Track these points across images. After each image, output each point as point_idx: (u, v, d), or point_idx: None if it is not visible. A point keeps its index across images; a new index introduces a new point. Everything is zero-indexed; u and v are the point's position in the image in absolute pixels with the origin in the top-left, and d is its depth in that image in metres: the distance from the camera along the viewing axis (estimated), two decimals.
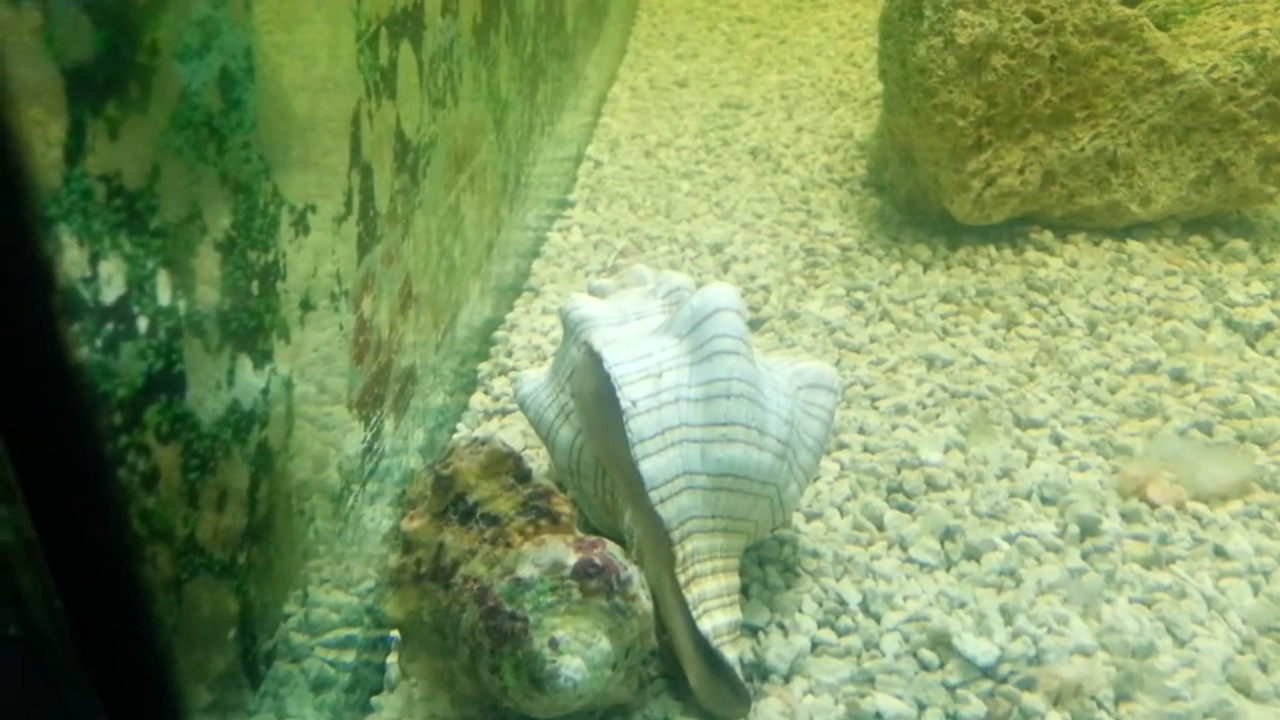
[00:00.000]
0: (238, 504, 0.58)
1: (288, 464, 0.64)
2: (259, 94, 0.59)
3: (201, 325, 0.53)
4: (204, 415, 0.54)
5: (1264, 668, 0.76)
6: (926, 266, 1.36)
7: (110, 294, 0.46)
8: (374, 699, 0.74)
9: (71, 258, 0.43)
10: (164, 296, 0.50)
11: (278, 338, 0.62)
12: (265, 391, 0.60)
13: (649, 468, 0.74)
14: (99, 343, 0.45)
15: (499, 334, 1.21)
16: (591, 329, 0.83)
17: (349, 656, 0.73)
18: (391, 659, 0.76)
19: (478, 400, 1.10)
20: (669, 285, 0.88)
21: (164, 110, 0.50)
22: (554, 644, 0.65)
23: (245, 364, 0.58)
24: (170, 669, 0.47)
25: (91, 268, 0.44)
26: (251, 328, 0.58)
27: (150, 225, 0.48)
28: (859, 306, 1.27)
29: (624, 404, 0.75)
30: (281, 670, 0.65)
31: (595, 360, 0.79)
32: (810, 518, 0.91)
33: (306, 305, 0.66)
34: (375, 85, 0.77)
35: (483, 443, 0.72)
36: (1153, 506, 0.92)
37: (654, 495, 0.74)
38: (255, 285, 0.59)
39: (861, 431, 1.03)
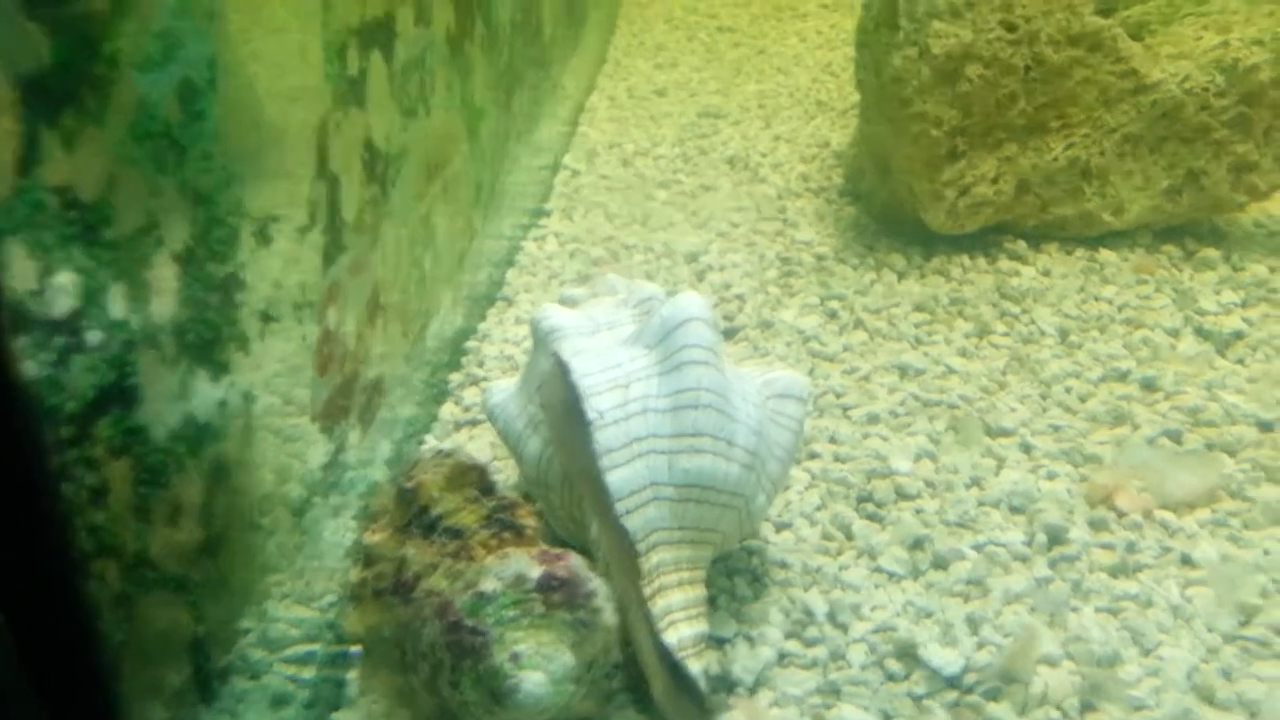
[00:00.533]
0: (192, 519, 0.57)
1: (246, 477, 0.63)
2: (222, 105, 0.58)
3: (157, 337, 0.53)
4: (158, 429, 0.53)
5: (1228, 676, 0.76)
6: (901, 275, 1.37)
7: (61, 306, 0.45)
8: (334, 715, 0.73)
9: (20, 270, 0.43)
10: (118, 309, 0.49)
11: (236, 349, 0.61)
12: (223, 404, 0.60)
13: (615, 479, 0.74)
14: (48, 355, 0.45)
15: (471, 344, 1.21)
16: (561, 339, 0.82)
17: (309, 672, 0.73)
18: (353, 675, 0.76)
19: (448, 411, 1.09)
20: (640, 295, 0.88)
21: (121, 121, 0.49)
22: (515, 658, 0.64)
23: (202, 376, 0.58)
24: (115, 685, 0.47)
25: (41, 280, 0.44)
26: (209, 339, 0.58)
27: (105, 237, 0.48)
28: (833, 315, 1.28)
29: (591, 415, 0.75)
30: (239, 686, 0.65)
31: (563, 370, 0.79)
32: (780, 528, 0.91)
33: (268, 317, 0.65)
34: (343, 95, 0.77)
35: (447, 455, 0.72)
36: (1120, 515, 0.92)
37: (620, 507, 0.74)
38: (214, 297, 0.59)
39: (833, 441, 1.03)
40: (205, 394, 0.58)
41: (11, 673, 0.43)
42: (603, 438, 0.75)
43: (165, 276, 0.54)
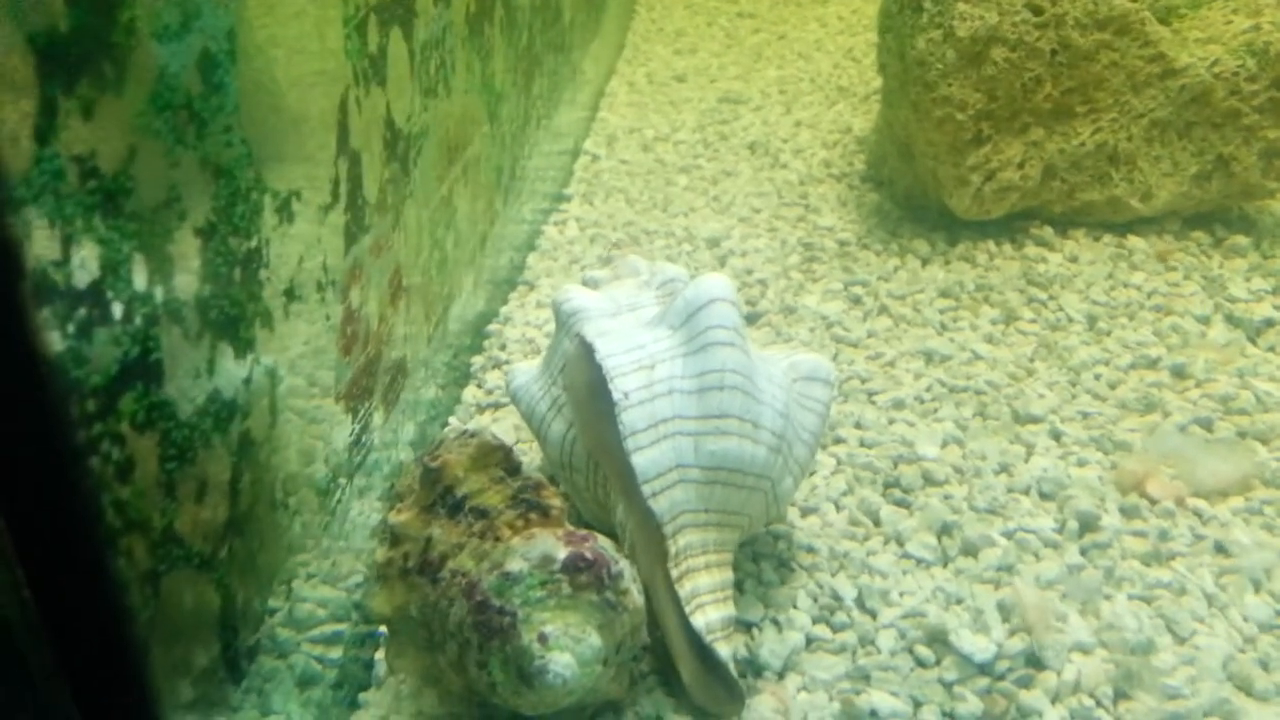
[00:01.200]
0: (218, 496, 0.57)
1: (271, 455, 0.63)
2: (242, 78, 0.57)
3: (180, 312, 0.52)
4: (183, 404, 0.53)
5: (1265, 666, 0.75)
6: (925, 261, 1.35)
7: (83, 278, 0.45)
8: (361, 695, 0.73)
9: (42, 240, 0.42)
10: (140, 282, 0.49)
11: (260, 326, 0.60)
12: (247, 381, 0.59)
13: (641, 461, 0.73)
14: (71, 328, 0.44)
15: (492, 327, 1.20)
16: (584, 320, 0.81)
17: (336, 652, 0.72)
18: (380, 655, 0.75)
19: (470, 393, 1.08)
20: (663, 277, 0.87)
21: (141, 91, 0.48)
22: (543, 639, 0.63)
23: (226, 352, 0.57)
24: (143, 659, 0.46)
25: (63, 251, 0.43)
26: (233, 315, 0.57)
27: (126, 209, 0.47)
28: (857, 301, 1.26)
29: (616, 396, 0.74)
30: (266, 666, 0.64)
31: (588, 352, 0.78)
32: (806, 513, 0.90)
33: (291, 294, 0.65)
34: (364, 72, 0.76)
35: (472, 435, 0.71)
36: (1153, 502, 0.91)
37: (646, 489, 0.73)
38: (237, 272, 0.58)
39: (859, 426, 1.02)
40: (230, 370, 0.57)
41: (39, 648, 0.42)
42: (628, 419, 0.73)
43: (188, 251, 0.53)
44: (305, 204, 0.66)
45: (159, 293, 0.50)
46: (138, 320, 0.48)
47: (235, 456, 0.58)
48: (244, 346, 0.59)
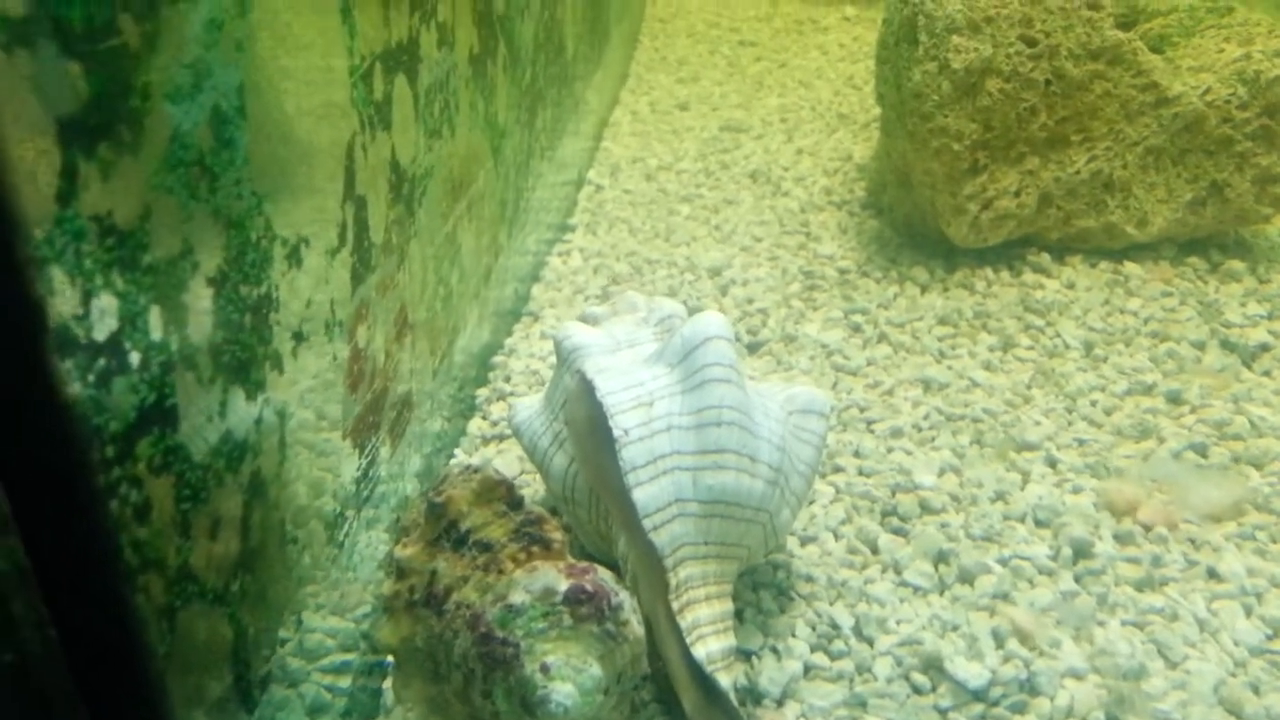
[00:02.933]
0: (230, 532, 0.59)
1: (281, 492, 0.65)
2: (252, 131, 0.60)
3: (194, 358, 0.54)
4: (196, 446, 0.55)
5: (1256, 690, 0.76)
6: (924, 289, 1.37)
7: (102, 330, 0.47)
8: None
9: (64, 296, 0.44)
10: (156, 332, 0.51)
11: (270, 368, 0.63)
12: (258, 421, 0.61)
13: (641, 496, 0.75)
14: (91, 378, 0.46)
15: (497, 359, 1.22)
16: (584, 357, 0.83)
17: (345, 681, 0.74)
18: (387, 684, 0.77)
19: (475, 426, 1.11)
20: (661, 313, 0.89)
21: (156, 151, 0.51)
22: (545, 669, 0.65)
23: (238, 395, 0.59)
24: (162, 694, 0.48)
25: (83, 305, 0.45)
26: (244, 359, 0.59)
27: (142, 263, 0.50)
28: (856, 329, 1.28)
29: (616, 432, 0.76)
30: (277, 695, 0.66)
31: (588, 389, 0.80)
32: (805, 541, 0.92)
33: (300, 336, 0.67)
34: (370, 119, 0.78)
35: (475, 470, 0.73)
36: (1147, 529, 0.92)
37: (647, 523, 0.74)
38: (248, 318, 0.60)
39: (857, 455, 1.04)
40: (241, 412, 0.59)
41: (63, 683, 0.44)
42: (628, 455, 0.75)
43: (201, 299, 0.55)
44: (313, 249, 0.68)
45: (174, 341, 0.52)
46: (154, 368, 0.50)
47: (246, 494, 0.60)
48: (254, 388, 0.61)
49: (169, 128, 0.51)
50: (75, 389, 0.45)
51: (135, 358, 0.49)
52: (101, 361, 0.47)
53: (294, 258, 0.65)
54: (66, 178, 0.44)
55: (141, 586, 0.51)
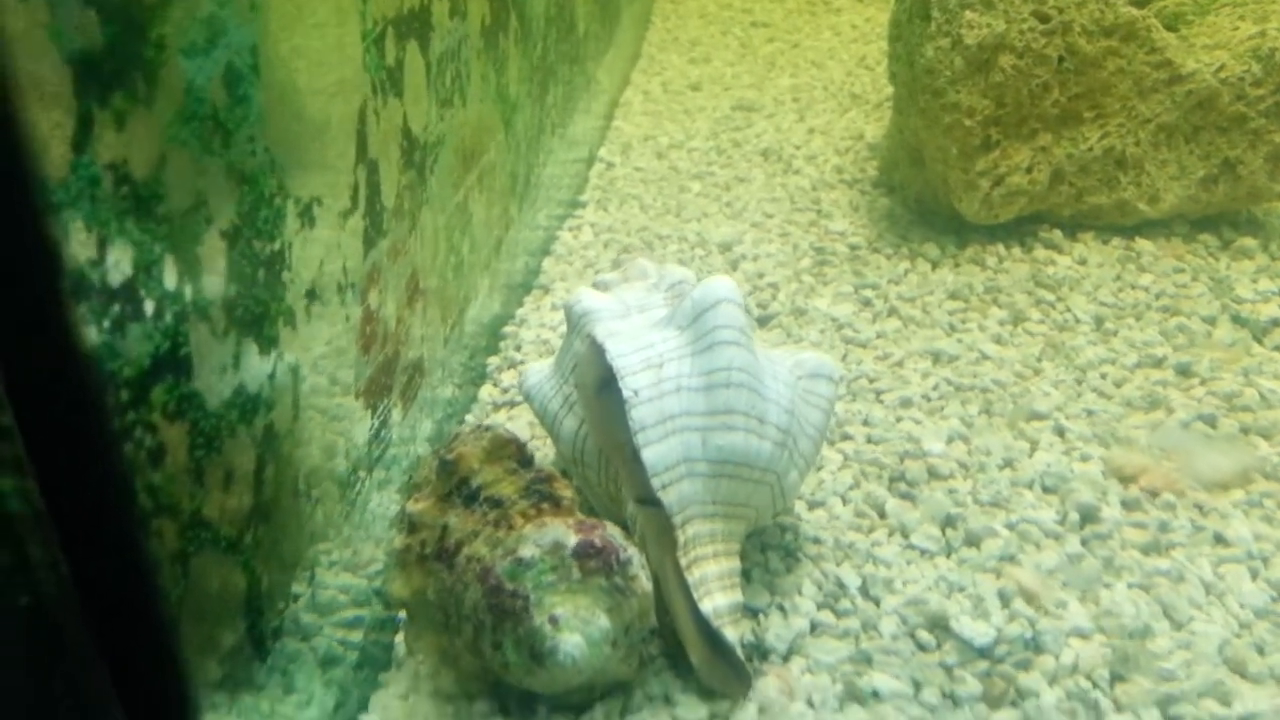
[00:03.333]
0: (244, 484, 0.60)
1: (294, 448, 0.66)
2: (265, 91, 0.61)
3: (207, 310, 0.55)
4: (210, 396, 0.56)
5: (1260, 650, 0.77)
6: (935, 264, 1.37)
7: (118, 276, 0.48)
8: (381, 675, 0.76)
9: (79, 241, 0.45)
10: (170, 281, 0.52)
11: (284, 325, 0.64)
12: (271, 376, 0.62)
13: (651, 455, 0.76)
14: (106, 323, 0.47)
15: (508, 329, 1.23)
16: (595, 321, 0.84)
17: (357, 636, 0.75)
18: (399, 639, 0.78)
19: (486, 393, 1.12)
20: (671, 279, 0.89)
21: (170, 103, 0.52)
22: (554, 621, 0.66)
23: (251, 349, 0.60)
24: (174, 636, 0.49)
25: (99, 251, 0.46)
26: (257, 314, 0.60)
27: (157, 213, 0.51)
28: (867, 303, 1.29)
29: (626, 393, 0.77)
30: (290, 647, 0.67)
31: (598, 351, 0.81)
32: (813, 506, 0.92)
33: (313, 295, 0.68)
34: (381, 84, 0.79)
35: (486, 429, 0.74)
36: (1154, 495, 0.92)
37: (655, 482, 0.75)
38: (261, 273, 0.61)
39: (866, 424, 1.04)
40: (255, 366, 0.60)
41: (76, 624, 0.45)
42: (638, 415, 0.76)
43: (214, 253, 0.56)
44: (325, 209, 0.69)
45: (188, 292, 0.53)
46: (168, 317, 0.51)
47: (260, 448, 0.61)
48: (268, 344, 0.62)
49: (183, 81, 0.52)
50: (90, 332, 0.46)
51: (150, 306, 0.50)
52: (116, 307, 0.48)
53: (306, 216, 0.66)
54: (82, 125, 0.45)
55: (155, 530, 0.52)
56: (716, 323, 0.79)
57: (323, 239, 0.69)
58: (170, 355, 0.52)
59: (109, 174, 0.47)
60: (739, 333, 0.78)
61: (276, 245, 0.63)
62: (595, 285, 0.93)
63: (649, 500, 0.76)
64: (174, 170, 0.52)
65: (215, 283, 0.56)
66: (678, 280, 0.89)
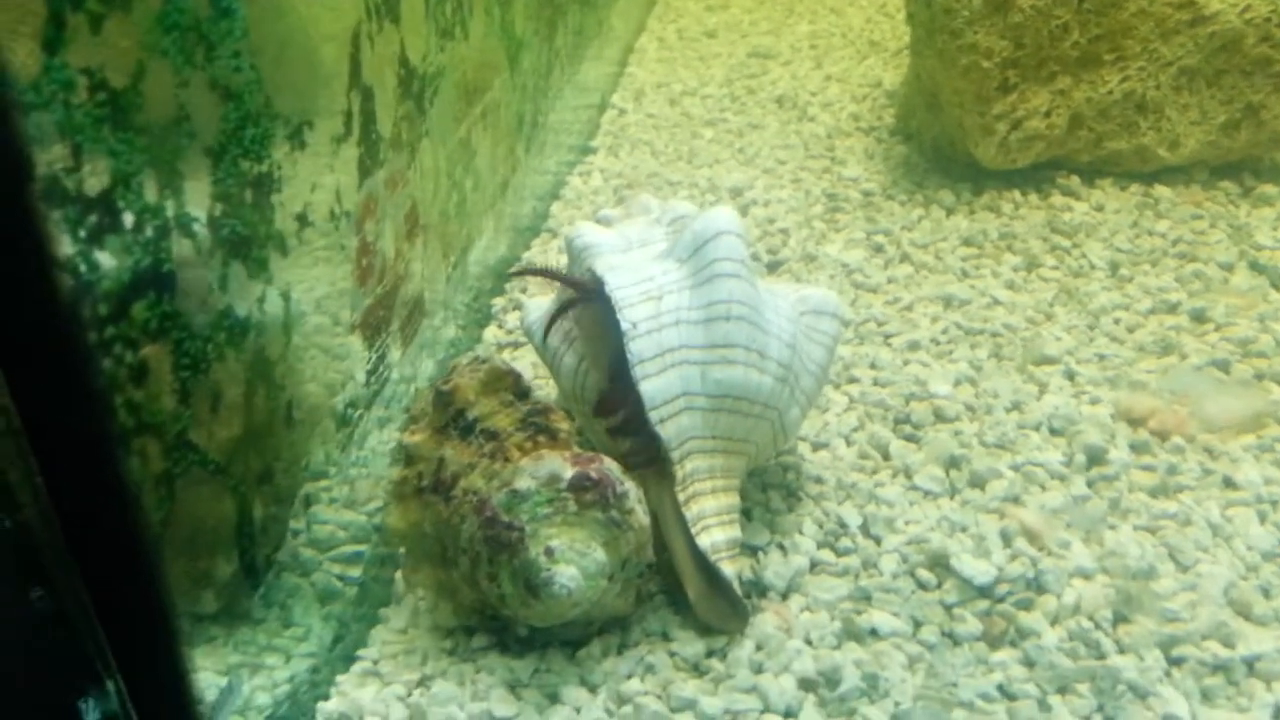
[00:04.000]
0: (233, 410, 0.59)
1: (286, 375, 0.65)
2: (250, 4, 0.59)
3: (190, 227, 0.54)
4: (196, 317, 0.55)
5: (1266, 593, 0.75)
6: (949, 211, 1.35)
7: (94, 186, 0.47)
8: (381, 611, 0.75)
9: (52, 146, 0.44)
10: (151, 195, 0.51)
11: (274, 248, 0.63)
12: (260, 300, 0.61)
13: (649, 388, 0.75)
14: (82, 232, 0.46)
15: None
16: (595, 255, 0.83)
17: (356, 571, 0.75)
18: (399, 574, 0.77)
19: (491, 333, 1.11)
20: (673, 214, 0.88)
21: (148, 10, 0.50)
22: (549, 552, 0.66)
23: (239, 271, 0.59)
24: (154, 556, 0.49)
25: (74, 158, 0.45)
26: (244, 236, 0.59)
27: (135, 123, 0.49)
28: (878, 249, 1.27)
29: (624, 326, 0.76)
30: (289, 582, 0.67)
31: (598, 284, 0.80)
32: (816, 447, 0.91)
33: (304, 220, 0.67)
34: (376, 7, 0.77)
35: (483, 361, 0.73)
36: (1163, 438, 0.91)
37: (654, 415, 0.74)
38: (248, 194, 0.60)
39: (873, 366, 1.03)
40: (243, 289, 0.59)
41: (53, 538, 0.45)
42: (636, 347, 0.75)
43: (198, 169, 0.55)
44: (317, 133, 0.68)
45: (170, 207, 0.52)
46: (149, 231, 0.50)
47: (249, 372, 0.61)
48: (257, 267, 0.61)
49: None
50: (65, 242, 0.45)
51: (129, 218, 0.49)
52: (93, 218, 0.47)
53: (296, 139, 0.65)
54: (53, 24, 0.44)
55: (138, 449, 0.51)
56: (716, 255, 0.77)
57: (314, 163, 0.68)
58: (151, 271, 0.51)
59: (84, 79, 0.46)
60: (739, 265, 0.77)
61: (264, 166, 0.61)
62: (597, 220, 0.91)
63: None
64: (153, 80, 0.51)
65: (199, 200, 0.55)
66: (680, 214, 0.87)
